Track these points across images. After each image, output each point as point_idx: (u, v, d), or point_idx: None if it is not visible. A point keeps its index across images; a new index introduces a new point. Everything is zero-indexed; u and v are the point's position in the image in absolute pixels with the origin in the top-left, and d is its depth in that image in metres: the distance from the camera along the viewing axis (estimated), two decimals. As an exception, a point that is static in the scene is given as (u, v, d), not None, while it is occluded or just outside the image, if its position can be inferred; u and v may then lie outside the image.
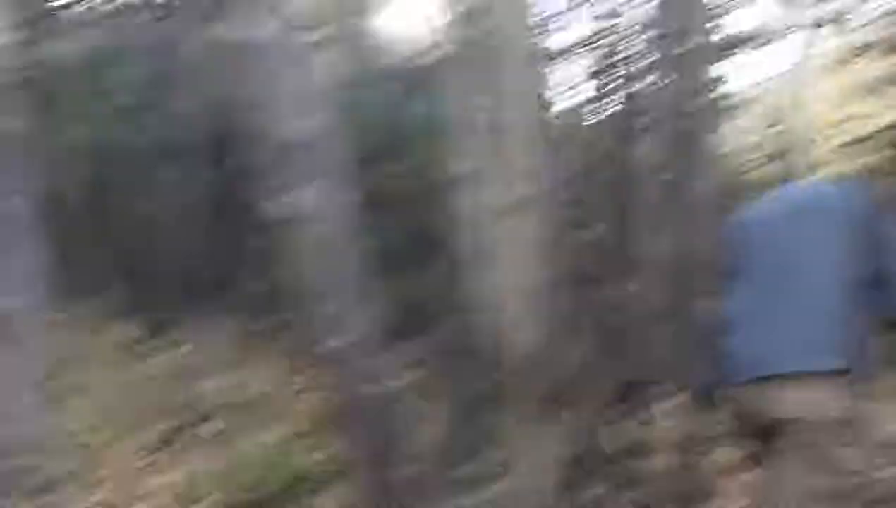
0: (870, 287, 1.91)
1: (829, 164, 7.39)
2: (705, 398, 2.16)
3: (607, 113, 5.07)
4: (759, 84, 8.72)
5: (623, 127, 4.51)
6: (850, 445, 1.76)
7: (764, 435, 1.91)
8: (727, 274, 2.19)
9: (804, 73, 8.28)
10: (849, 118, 8.03)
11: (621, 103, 4.87)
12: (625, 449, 3.37)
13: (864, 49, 8.19)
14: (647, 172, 3.84)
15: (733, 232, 2.27)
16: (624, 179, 4.13)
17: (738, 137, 7.71)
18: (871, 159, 7.03)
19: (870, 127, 7.45)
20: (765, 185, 5.15)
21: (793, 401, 1.81)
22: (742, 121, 7.98)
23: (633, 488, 3.20)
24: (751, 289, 2.05)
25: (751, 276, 2.07)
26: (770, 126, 8.43)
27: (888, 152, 6.93)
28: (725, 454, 2.94)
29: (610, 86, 4.98)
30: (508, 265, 2.86)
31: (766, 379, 1.85)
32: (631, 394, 3.53)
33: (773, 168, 7.63)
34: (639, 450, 3.39)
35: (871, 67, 8.07)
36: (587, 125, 5.32)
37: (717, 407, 2.10)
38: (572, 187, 3.81)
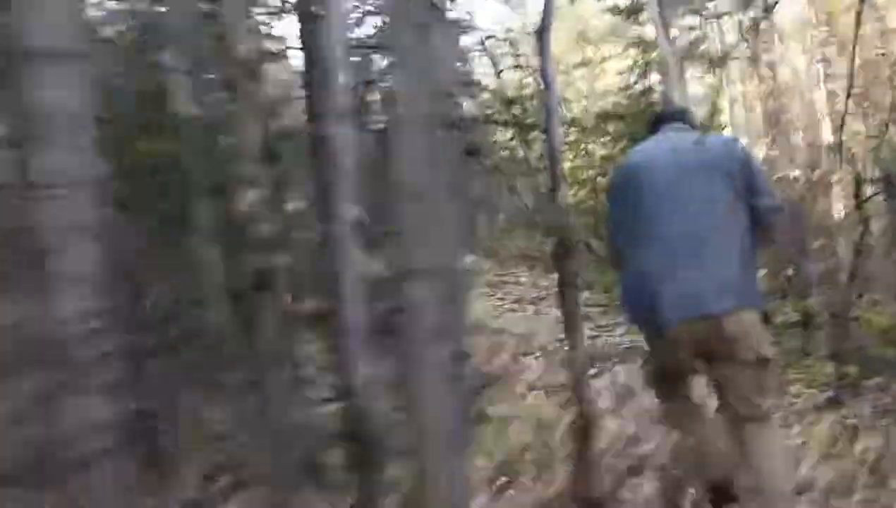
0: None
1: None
2: (656, 334, 2.35)
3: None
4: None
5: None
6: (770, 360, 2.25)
7: (698, 362, 2.31)
8: (622, 218, 2.42)
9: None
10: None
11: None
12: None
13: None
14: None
15: (624, 177, 2.51)
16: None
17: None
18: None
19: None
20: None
21: (729, 331, 2.18)
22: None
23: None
24: (664, 239, 2.26)
25: (659, 223, 2.28)
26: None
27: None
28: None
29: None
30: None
31: (705, 316, 2.18)
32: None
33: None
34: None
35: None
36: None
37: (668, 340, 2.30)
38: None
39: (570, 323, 2.89)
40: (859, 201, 4.07)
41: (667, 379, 2.49)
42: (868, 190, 4.15)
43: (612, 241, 2.61)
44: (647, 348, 2.57)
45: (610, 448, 3.21)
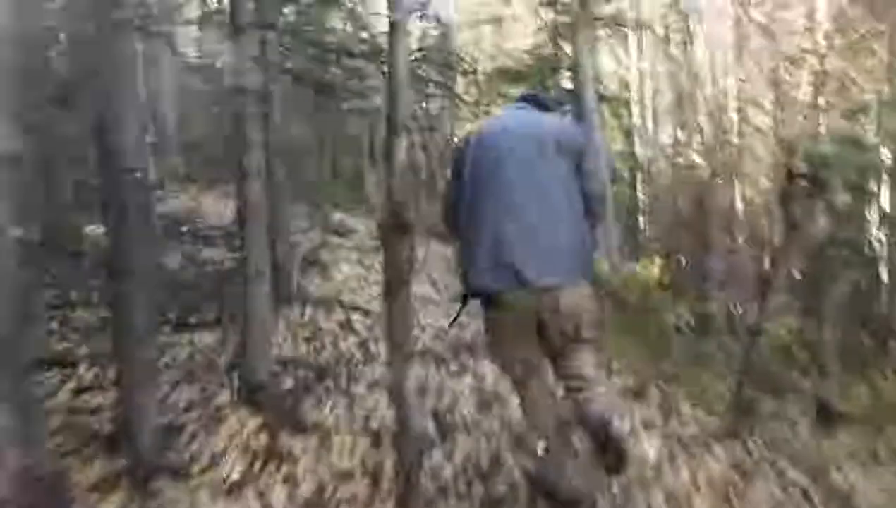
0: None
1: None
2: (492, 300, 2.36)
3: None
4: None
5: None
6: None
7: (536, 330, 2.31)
8: (458, 188, 2.44)
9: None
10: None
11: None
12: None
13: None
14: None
15: (462, 150, 2.49)
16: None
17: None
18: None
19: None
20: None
21: (564, 302, 2.25)
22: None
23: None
24: (499, 213, 2.30)
25: (493, 197, 2.33)
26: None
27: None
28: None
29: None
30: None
31: (543, 287, 2.24)
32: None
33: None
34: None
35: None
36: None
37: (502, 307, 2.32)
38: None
39: (397, 328, 2.04)
40: (784, 196, 3.54)
41: (503, 351, 2.52)
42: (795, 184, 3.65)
43: (448, 210, 2.58)
44: (484, 320, 2.52)
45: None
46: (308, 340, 4.21)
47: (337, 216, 8.30)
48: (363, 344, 4.23)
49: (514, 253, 2.26)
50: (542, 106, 2.66)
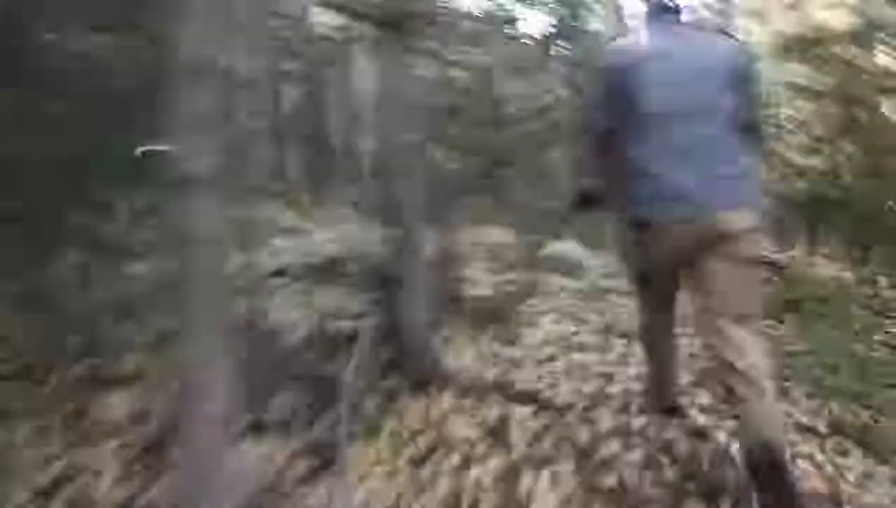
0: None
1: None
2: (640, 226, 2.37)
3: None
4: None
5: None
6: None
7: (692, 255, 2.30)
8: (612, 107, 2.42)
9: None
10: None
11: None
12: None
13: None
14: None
15: (623, 65, 2.40)
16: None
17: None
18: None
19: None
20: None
21: (728, 228, 2.23)
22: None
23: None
24: (665, 137, 2.29)
25: (660, 122, 2.30)
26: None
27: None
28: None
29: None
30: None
31: (704, 213, 2.25)
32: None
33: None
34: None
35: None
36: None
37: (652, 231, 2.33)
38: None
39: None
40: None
41: (653, 286, 2.60)
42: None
43: (592, 127, 2.57)
44: (634, 250, 2.51)
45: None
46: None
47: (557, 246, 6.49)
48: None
49: (678, 177, 2.24)
50: (676, 13, 2.46)
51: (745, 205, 2.27)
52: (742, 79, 2.35)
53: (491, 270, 5.47)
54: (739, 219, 2.24)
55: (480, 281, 4.99)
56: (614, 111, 2.41)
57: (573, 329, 4.20)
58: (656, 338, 2.71)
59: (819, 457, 2.58)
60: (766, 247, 2.31)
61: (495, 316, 4.08)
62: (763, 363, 2.19)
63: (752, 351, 2.19)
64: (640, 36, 2.47)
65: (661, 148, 2.29)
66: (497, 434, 2.68)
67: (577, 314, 4.53)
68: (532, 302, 4.71)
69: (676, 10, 2.48)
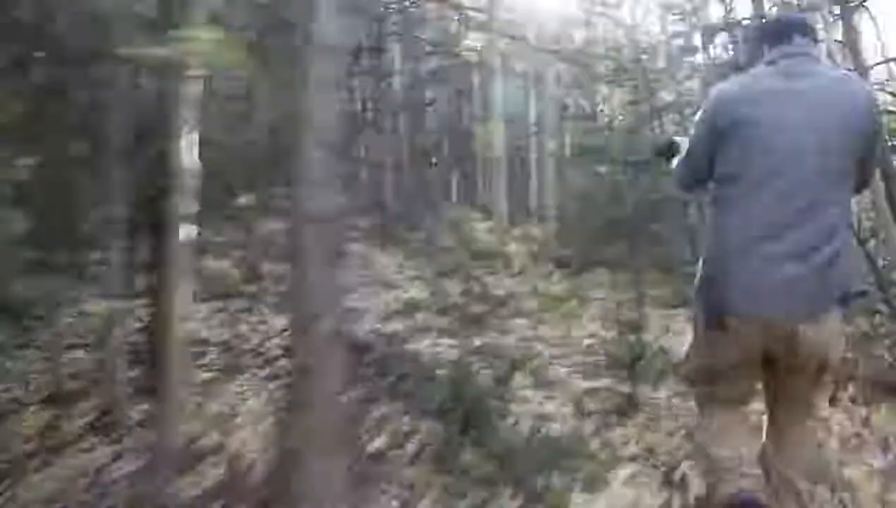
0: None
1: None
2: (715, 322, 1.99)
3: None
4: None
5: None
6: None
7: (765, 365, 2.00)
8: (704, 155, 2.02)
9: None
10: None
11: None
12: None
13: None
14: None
15: (725, 107, 1.96)
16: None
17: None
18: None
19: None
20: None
21: (809, 339, 1.87)
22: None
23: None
24: (758, 206, 1.87)
25: (755, 185, 1.88)
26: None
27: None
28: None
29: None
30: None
31: (791, 317, 1.86)
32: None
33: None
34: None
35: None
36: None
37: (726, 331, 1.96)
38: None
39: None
40: None
41: (720, 380, 2.12)
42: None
43: (683, 177, 2.24)
44: (700, 334, 2.15)
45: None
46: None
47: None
48: None
49: (769, 262, 1.86)
50: (814, 39, 2.02)
51: (837, 308, 1.91)
52: (868, 137, 1.89)
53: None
54: (827, 330, 1.90)
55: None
56: (702, 167, 2.06)
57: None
58: (722, 436, 2.10)
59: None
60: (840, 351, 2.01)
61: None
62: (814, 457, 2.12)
63: (805, 449, 2.10)
64: (754, 70, 2.04)
65: (748, 222, 1.89)
66: None
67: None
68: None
69: (804, 33, 1.99)
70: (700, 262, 2.06)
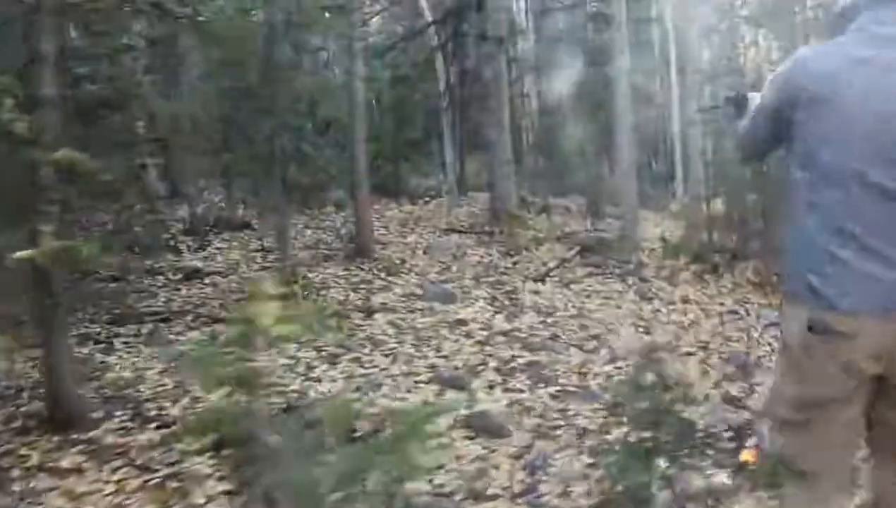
0: None
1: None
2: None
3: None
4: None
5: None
6: None
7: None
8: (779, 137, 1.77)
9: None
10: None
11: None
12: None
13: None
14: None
15: (804, 81, 1.68)
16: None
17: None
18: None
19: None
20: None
21: None
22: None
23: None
24: (855, 189, 1.58)
25: (849, 167, 1.59)
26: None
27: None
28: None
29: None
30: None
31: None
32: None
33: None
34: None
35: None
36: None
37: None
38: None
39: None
40: None
41: (815, 420, 1.66)
42: None
43: (748, 146, 2.02)
44: (789, 357, 1.72)
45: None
46: None
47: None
48: None
49: (871, 251, 1.54)
50: None
51: None
52: None
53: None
54: None
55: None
56: (766, 136, 1.84)
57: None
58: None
59: None
60: None
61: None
62: None
63: None
64: (846, 37, 1.71)
65: (842, 216, 1.60)
66: None
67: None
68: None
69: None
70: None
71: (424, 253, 8.52)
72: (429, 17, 13.01)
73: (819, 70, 1.66)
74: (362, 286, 6.97)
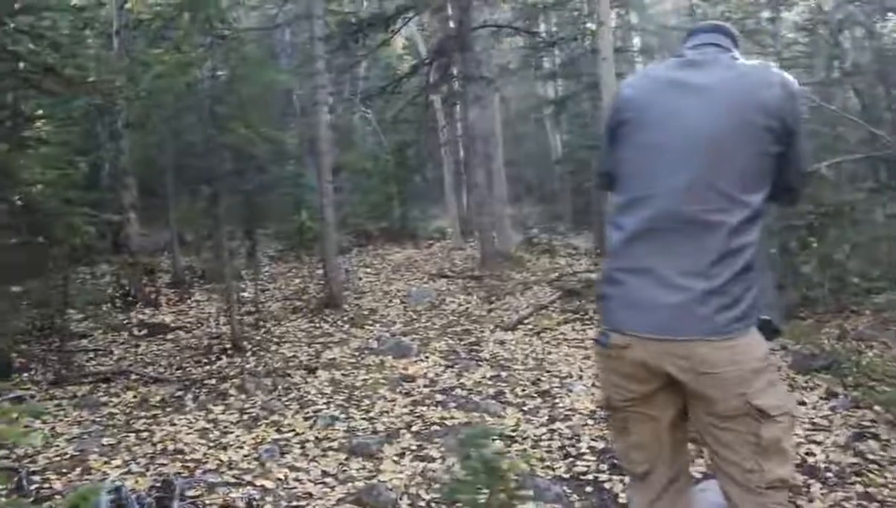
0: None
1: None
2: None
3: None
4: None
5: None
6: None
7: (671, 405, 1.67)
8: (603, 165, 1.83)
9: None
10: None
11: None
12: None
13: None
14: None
15: (614, 110, 1.75)
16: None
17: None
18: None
19: None
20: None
21: (703, 362, 1.53)
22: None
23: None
24: (640, 211, 1.60)
25: (637, 187, 1.63)
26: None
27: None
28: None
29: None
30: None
31: (668, 336, 1.55)
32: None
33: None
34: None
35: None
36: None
37: None
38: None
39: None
40: None
41: (629, 420, 1.71)
42: None
43: (602, 175, 1.89)
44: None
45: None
46: None
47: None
48: None
49: (646, 274, 1.56)
50: (731, 42, 1.73)
51: (734, 328, 1.53)
52: (784, 131, 1.57)
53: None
54: (720, 350, 1.52)
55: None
56: (605, 160, 1.83)
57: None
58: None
59: None
60: (771, 390, 1.57)
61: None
62: None
63: None
64: (670, 59, 1.78)
65: (630, 222, 1.61)
66: None
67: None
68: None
69: (714, 30, 1.74)
70: None
71: (402, 302, 8.26)
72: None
73: (628, 94, 1.72)
74: (319, 340, 6.73)
